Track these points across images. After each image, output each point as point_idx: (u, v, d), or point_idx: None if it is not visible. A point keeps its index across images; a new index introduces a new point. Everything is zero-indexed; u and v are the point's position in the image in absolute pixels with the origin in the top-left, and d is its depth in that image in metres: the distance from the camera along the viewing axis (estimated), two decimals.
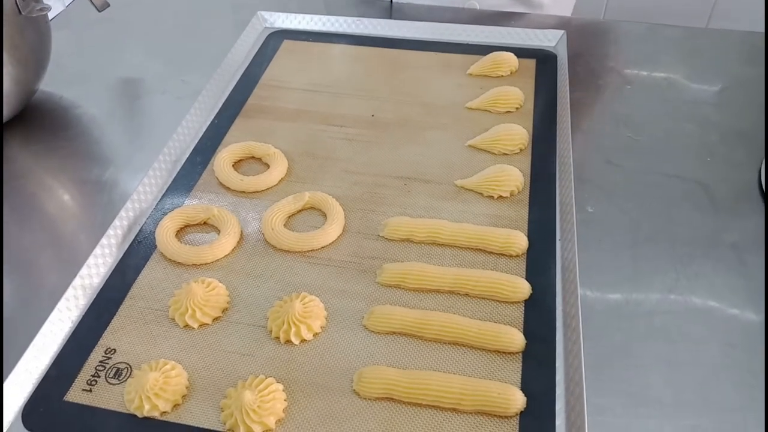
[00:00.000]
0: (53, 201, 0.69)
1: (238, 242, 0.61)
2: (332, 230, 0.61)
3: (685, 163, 0.70)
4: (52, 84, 0.82)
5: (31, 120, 0.78)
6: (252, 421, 0.46)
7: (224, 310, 0.55)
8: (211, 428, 0.47)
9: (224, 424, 0.47)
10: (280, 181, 0.68)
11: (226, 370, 0.51)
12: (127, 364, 0.51)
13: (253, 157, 0.71)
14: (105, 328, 0.54)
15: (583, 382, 0.47)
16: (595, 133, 0.74)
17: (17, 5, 0.69)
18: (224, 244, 0.60)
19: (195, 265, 0.59)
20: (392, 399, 0.49)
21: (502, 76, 0.81)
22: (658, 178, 0.68)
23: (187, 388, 0.49)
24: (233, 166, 0.69)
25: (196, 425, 0.47)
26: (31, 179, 0.70)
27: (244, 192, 0.66)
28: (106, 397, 0.49)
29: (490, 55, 0.82)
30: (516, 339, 0.51)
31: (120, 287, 0.57)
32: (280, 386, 0.49)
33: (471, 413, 0.48)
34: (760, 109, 0.77)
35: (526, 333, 0.52)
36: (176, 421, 0.48)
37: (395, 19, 0.92)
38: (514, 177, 0.65)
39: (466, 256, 0.59)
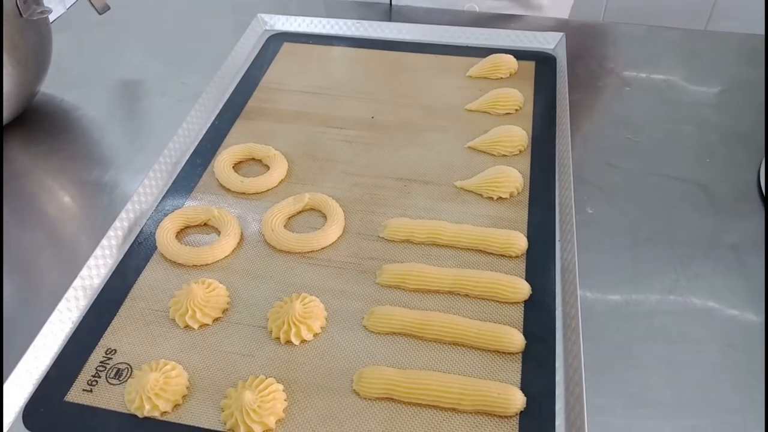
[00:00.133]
0: (54, 202, 0.69)
1: (238, 243, 0.61)
2: (332, 231, 0.61)
3: (685, 165, 0.70)
4: (52, 86, 0.82)
5: (31, 122, 0.78)
6: (252, 421, 0.46)
7: (224, 311, 0.55)
8: (212, 428, 0.47)
9: (224, 424, 0.47)
10: (280, 182, 0.68)
11: (227, 370, 0.51)
12: (128, 364, 0.51)
13: (253, 159, 0.71)
14: (105, 329, 0.54)
15: (582, 383, 0.47)
16: (594, 135, 0.74)
17: (18, 7, 0.70)
18: (224, 245, 0.60)
19: (195, 266, 0.59)
20: (392, 399, 0.49)
21: (502, 78, 0.81)
22: (657, 180, 0.68)
23: (187, 388, 0.49)
24: (233, 167, 0.69)
25: (196, 425, 0.47)
26: (31, 180, 0.70)
27: (244, 193, 0.66)
28: (106, 398, 0.49)
29: (490, 57, 0.83)
30: (516, 339, 0.51)
31: (120, 288, 0.57)
32: (281, 386, 0.49)
33: (471, 413, 0.48)
34: (760, 110, 0.77)
35: (526, 333, 0.52)
36: (177, 421, 0.48)
37: (395, 21, 0.93)
38: (514, 178, 0.65)
39: (465, 256, 0.59)
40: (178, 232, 0.62)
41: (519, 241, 0.59)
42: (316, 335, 0.53)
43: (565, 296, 0.55)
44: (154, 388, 0.47)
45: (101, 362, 0.51)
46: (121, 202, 0.65)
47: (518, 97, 0.76)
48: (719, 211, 0.64)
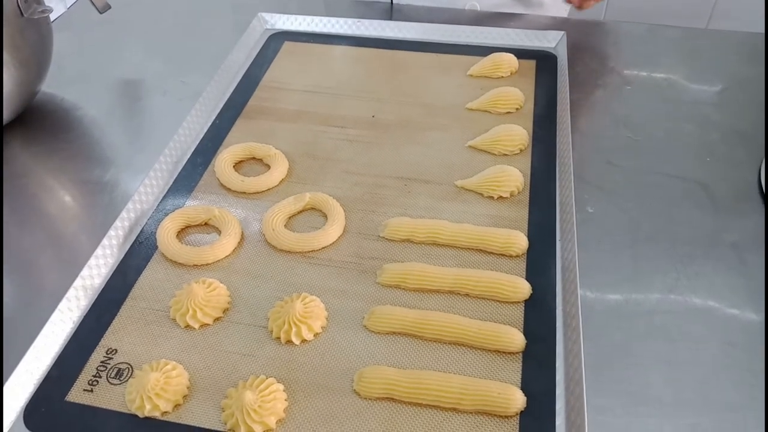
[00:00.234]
0: (54, 202, 0.69)
1: (238, 243, 0.61)
2: (333, 231, 0.61)
3: (685, 163, 0.70)
4: (53, 85, 0.82)
5: (32, 121, 0.78)
6: (253, 421, 0.46)
7: (225, 311, 0.55)
8: (212, 428, 0.47)
9: (225, 424, 0.47)
10: (280, 181, 0.68)
11: (227, 370, 0.51)
12: (129, 364, 0.51)
13: (254, 158, 0.71)
14: (106, 329, 0.54)
15: (583, 382, 0.47)
16: (595, 134, 0.74)
17: (19, 7, 0.70)
18: (225, 244, 0.60)
19: (196, 265, 0.59)
20: (393, 399, 0.49)
21: (503, 77, 0.81)
22: (658, 178, 0.68)
23: (188, 388, 0.49)
24: (234, 167, 0.69)
25: (197, 425, 0.47)
26: (32, 180, 0.70)
27: (245, 193, 0.66)
28: (107, 398, 0.49)
29: (491, 56, 0.83)
30: (516, 339, 0.51)
31: (121, 288, 0.57)
32: (281, 386, 0.49)
33: (471, 413, 0.48)
34: (760, 109, 0.77)
35: (526, 333, 0.52)
36: (177, 421, 0.48)
37: (395, 20, 0.92)
38: (514, 177, 0.65)
39: (466, 256, 0.59)
40: (179, 232, 0.62)
41: (519, 241, 0.59)
42: (316, 335, 0.53)
43: (566, 295, 0.55)
44: (155, 388, 0.47)
45: (102, 362, 0.51)
46: (121, 201, 0.65)
47: (519, 96, 0.76)
48: (720, 209, 0.64)
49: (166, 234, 0.60)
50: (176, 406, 0.48)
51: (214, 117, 0.77)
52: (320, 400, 0.49)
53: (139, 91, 0.85)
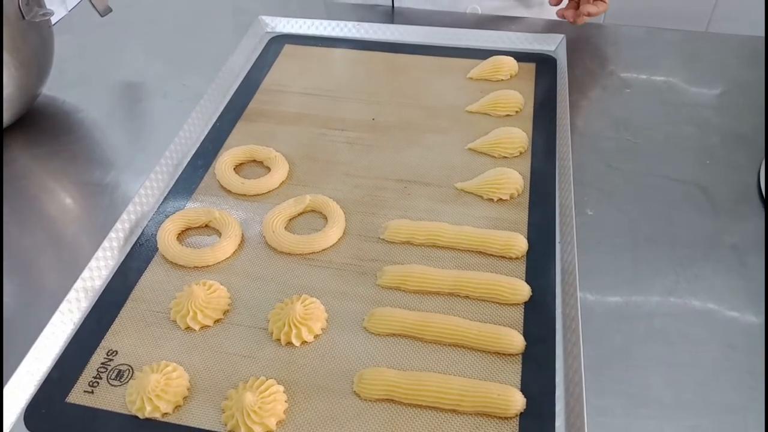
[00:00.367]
0: (55, 204, 0.69)
1: (239, 245, 0.61)
2: (333, 233, 0.61)
3: (685, 166, 0.70)
4: (54, 88, 0.82)
5: (33, 123, 0.78)
6: (253, 423, 0.46)
7: (225, 312, 0.55)
8: (212, 429, 0.47)
9: (225, 425, 0.47)
10: (281, 184, 0.68)
11: (227, 371, 0.51)
12: (129, 365, 0.51)
13: (254, 161, 0.71)
14: (107, 330, 0.54)
15: (582, 384, 0.48)
16: (594, 136, 0.74)
17: (20, 10, 0.70)
18: (225, 246, 0.60)
19: (196, 267, 0.59)
20: (392, 400, 0.49)
21: (502, 79, 0.81)
22: (657, 181, 0.68)
23: (188, 389, 0.49)
24: (234, 169, 0.69)
25: (197, 426, 0.47)
26: (33, 182, 0.71)
27: (245, 195, 0.67)
28: (107, 399, 0.49)
29: (490, 59, 0.83)
30: (516, 341, 0.52)
31: (121, 289, 0.57)
32: (281, 388, 0.49)
33: (471, 414, 0.48)
34: (760, 112, 0.77)
35: (526, 335, 0.52)
36: (177, 423, 0.48)
37: (397, 23, 0.93)
38: (514, 180, 0.65)
39: (466, 258, 0.59)
40: (180, 234, 0.62)
41: (519, 243, 0.59)
42: (316, 337, 0.53)
43: (565, 297, 0.55)
44: (155, 390, 0.47)
45: (102, 363, 0.52)
46: (122, 203, 0.65)
47: (518, 98, 0.77)
48: (719, 212, 0.65)
49: (166, 236, 0.60)
50: (176, 407, 0.48)
51: (214, 119, 0.77)
52: (320, 402, 0.49)
53: (139, 93, 0.85)
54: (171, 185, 0.68)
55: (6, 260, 0.61)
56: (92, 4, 0.79)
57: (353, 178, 0.68)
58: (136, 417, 0.48)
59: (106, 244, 0.60)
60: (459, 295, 0.56)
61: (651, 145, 0.73)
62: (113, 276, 0.59)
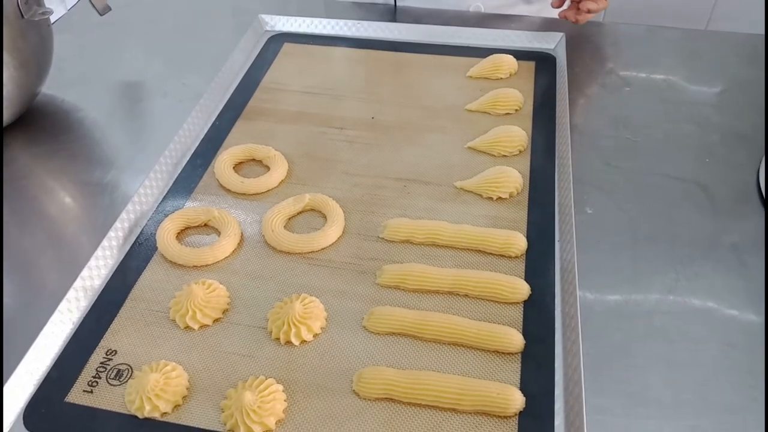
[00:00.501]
0: (55, 203, 0.69)
1: (238, 244, 0.61)
2: (332, 232, 0.61)
3: (685, 165, 0.70)
4: (53, 87, 0.82)
5: (32, 123, 0.78)
6: (252, 422, 0.46)
7: (224, 312, 0.55)
8: (212, 429, 0.47)
9: (224, 424, 0.47)
10: (280, 183, 0.68)
11: (227, 371, 0.51)
12: (128, 365, 0.51)
13: (253, 160, 0.71)
14: (106, 330, 0.54)
15: (582, 383, 0.48)
16: (594, 135, 0.74)
17: (20, 9, 0.70)
18: (225, 245, 0.60)
19: (195, 266, 0.59)
20: (392, 399, 0.49)
21: (502, 78, 0.81)
22: (657, 180, 0.68)
23: (187, 389, 0.49)
24: (234, 168, 0.69)
25: (196, 426, 0.47)
26: (32, 181, 0.71)
27: (244, 194, 0.67)
28: (107, 398, 0.49)
29: (490, 57, 0.83)
30: (515, 339, 0.52)
31: (121, 289, 0.57)
32: (280, 387, 0.49)
33: (470, 413, 0.48)
34: (760, 110, 0.77)
35: (525, 333, 0.52)
36: (177, 422, 0.48)
37: (400, 21, 0.93)
38: (514, 178, 0.65)
39: (465, 257, 0.59)
40: (179, 233, 0.62)
41: (518, 242, 0.59)
42: (315, 336, 0.53)
43: (565, 296, 0.55)
44: (155, 389, 0.47)
45: (102, 363, 0.52)
46: (121, 202, 0.65)
47: (518, 97, 0.76)
48: (719, 211, 0.64)
49: (165, 235, 0.60)
50: (176, 406, 0.48)
51: (214, 118, 0.77)
52: (319, 401, 0.49)
53: (139, 92, 0.85)
54: (170, 184, 0.68)
55: (5, 260, 0.61)
56: (91, 2, 0.79)
57: (353, 176, 0.68)
58: (136, 416, 0.48)
59: (105, 243, 0.60)
60: (458, 294, 0.56)
61: (651, 144, 0.73)
62: (112, 275, 0.59)
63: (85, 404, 0.49)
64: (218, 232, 0.62)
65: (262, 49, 0.89)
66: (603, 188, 0.67)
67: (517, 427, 0.47)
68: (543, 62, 0.84)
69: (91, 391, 0.50)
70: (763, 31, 0.90)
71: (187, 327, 0.54)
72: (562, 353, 0.52)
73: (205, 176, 0.69)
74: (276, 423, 0.47)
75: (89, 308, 0.56)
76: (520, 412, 0.47)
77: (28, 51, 0.73)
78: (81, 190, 0.70)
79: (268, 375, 0.50)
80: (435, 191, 0.66)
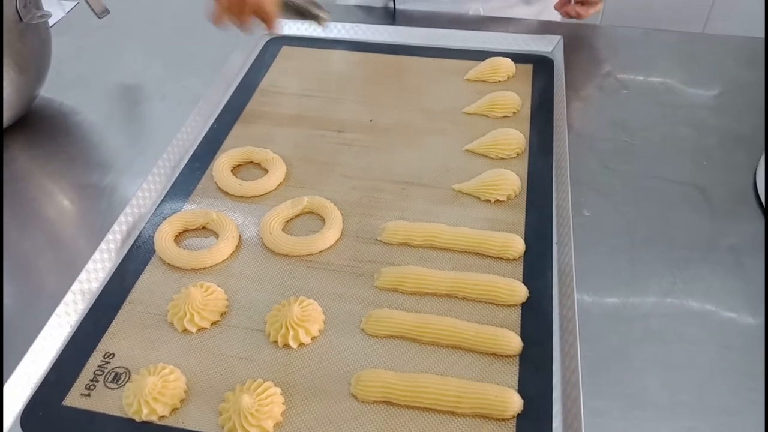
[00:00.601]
0: (53, 205, 0.69)
1: (236, 247, 0.61)
2: (330, 234, 0.61)
3: (682, 167, 0.70)
4: (52, 90, 0.82)
5: (31, 125, 0.78)
6: (250, 425, 0.46)
7: (223, 315, 0.55)
8: None
9: (222, 428, 0.47)
10: (278, 185, 0.68)
11: (225, 374, 0.51)
12: (126, 368, 0.51)
13: (251, 162, 0.71)
14: (104, 333, 0.54)
15: (579, 385, 0.48)
16: (591, 138, 0.75)
17: (18, 12, 0.70)
18: (223, 248, 0.60)
19: (194, 269, 0.59)
20: (390, 402, 0.49)
21: (500, 81, 0.81)
22: (654, 182, 0.68)
23: (185, 392, 0.49)
24: (232, 171, 0.69)
25: (194, 429, 0.47)
26: (31, 184, 0.71)
27: (242, 197, 0.67)
28: (104, 402, 0.49)
29: (488, 60, 0.83)
30: (513, 342, 0.52)
31: (119, 292, 0.57)
32: (278, 390, 0.49)
33: (468, 416, 0.48)
34: (757, 113, 0.77)
35: (523, 336, 0.52)
36: (175, 426, 0.48)
37: (398, 24, 0.93)
38: (511, 181, 0.65)
39: (463, 259, 0.59)
40: (177, 236, 0.62)
41: (516, 244, 0.59)
42: (314, 338, 0.53)
43: (562, 299, 0.55)
44: (152, 392, 0.47)
45: (99, 366, 0.51)
46: (120, 205, 0.65)
47: (516, 100, 0.77)
48: (716, 213, 0.65)
49: (164, 238, 0.60)
50: (174, 410, 0.48)
51: (212, 121, 0.77)
52: (317, 404, 0.49)
53: (137, 95, 0.85)
54: (168, 187, 0.68)
55: (4, 262, 0.61)
56: (89, 5, 0.79)
57: (351, 179, 0.68)
58: (133, 420, 0.48)
59: (103, 246, 0.60)
60: (456, 297, 0.56)
61: (648, 147, 0.73)
62: (110, 278, 0.59)
63: (83, 408, 0.49)
64: (216, 235, 0.62)
65: (260, 52, 0.89)
66: (600, 191, 0.67)
67: (515, 430, 0.47)
68: (540, 65, 0.84)
69: (89, 395, 0.50)
70: (759, 34, 0.90)
71: (185, 330, 0.54)
72: (559, 356, 0.52)
73: (203, 179, 0.69)
74: (274, 426, 0.47)
75: (87, 311, 0.56)
76: (518, 414, 0.47)
77: (26, 54, 0.73)
78: (79, 193, 0.70)
79: (266, 378, 0.50)
80: (433, 194, 0.66)
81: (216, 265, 0.60)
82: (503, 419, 0.47)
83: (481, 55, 0.85)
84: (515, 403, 0.48)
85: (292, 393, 0.49)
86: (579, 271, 0.56)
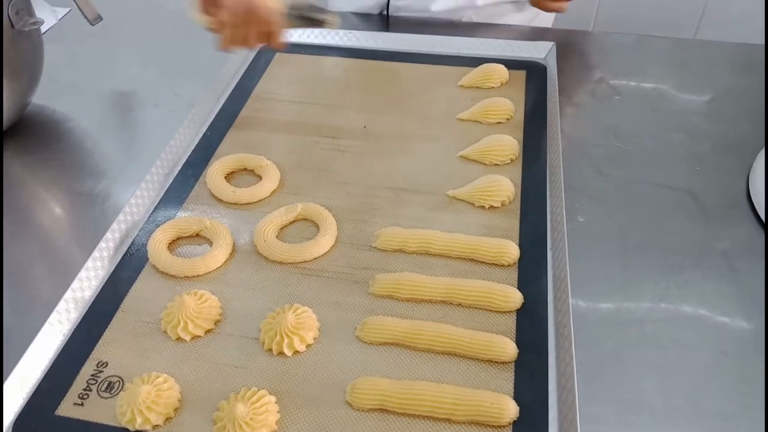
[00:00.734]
0: (46, 213, 0.69)
1: (230, 254, 0.61)
2: (325, 241, 0.61)
3: (675, 173, 0.70)
4: (44, 97, 0.82)
5: (24, 132, 0.78)
6: None
7: (216, 323, 0.55)
8: None
9: None
10: (272, 192, 0.68)
11: (219, 382, 0.51)
12: (119, 377, 0.51)
13: (245, 169, 0.71)
14: (97, 341, 0.54)
15: (575, 391, 0.47)
16: (584, 143, 0.75)
17: (10, 19, 0.70)
18: (217, 256, 0.60)
19: (187, 277, 0.59)
20: (385, 410, 0.48)
21: (493, 87, 0.82)
22: (648, 188, 0.69)
23: (179, 401, 0.49)
24: (226, 178, 0.69)
25: None
26: (23, 191, 0.70)
27: (236, 204, 0.66)
28: (97, 411, 0.49)
29: (481, 66, 0.83)
30: (508, 348, 0.52)
31: (112, 300, 0.57)
32: (273, 398, 0.48)
33: (464, 423, 0.48)
34: (749, 118, 0.78)
35: (519, 342, 0.52)
36: None
37: (392, 31, 0.93)
38: (505, 187, 0.65)
39: (458, 266, 0.59)
40: (170, 243, 0.62)
41: (511, 250, 0.59)
42: (308, 346, 0.53)
43: (557, 304, 0.56)
44: (146, 401, 0.47)
45: (92, 375, 0.51)
46: (113, 212, 0.65)
47: (509, 106, 0.77)
48: (710, 218, 0.65)
49: (157, 245, 0.60)
50: (167, 419, 0.48)
51: (205, 128, 0.77)
52: (312, 412, 0.48)
53: (130, 102, 0.85)
54: (162, 194, 0.68)
55: None
56: (82, 12, 0.79)
57: (345, 186, 0.68)
58: (127, 429, 0.47)
59: (96, 254, 0.60)
60: (451, 303, 0.56)
61: (641, 152, 0.73)
62: (103, 286, 0.58)
63: (76, 417, 0.48)
64: (210, 242, 0.62)
65: (254, 58, 0.89)
66: (594, 197, 0.67)
67: None
68: (534, 71, 0.85)
69: (82, 404, 0.49)
70: (749, 40, 0.91)
71: (179, 338, 0.53)
72: (555, 362, 0.52)
73: (196, 186, 0.69)
74: None
75: (80, 320, 0.55)
76: (514, 421, 0.47)
77: (19, 61, 0.73)
78: (72, 200, 0.70)
79: (260, 386, 0.49)
80: (427, 200, 0.66)
81: (210, 272, 0.59)
82: (499, 426, 0.47)
83: (474, 62, 0.85)
84: (511, 409, 0.47)
85: (286, 401, 0.49)
86: (573, 276, 0.56)
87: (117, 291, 0.58)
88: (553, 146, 0.72)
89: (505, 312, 0.55)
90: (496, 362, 0.51)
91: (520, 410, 0.48)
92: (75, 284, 0.57)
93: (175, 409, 0.49)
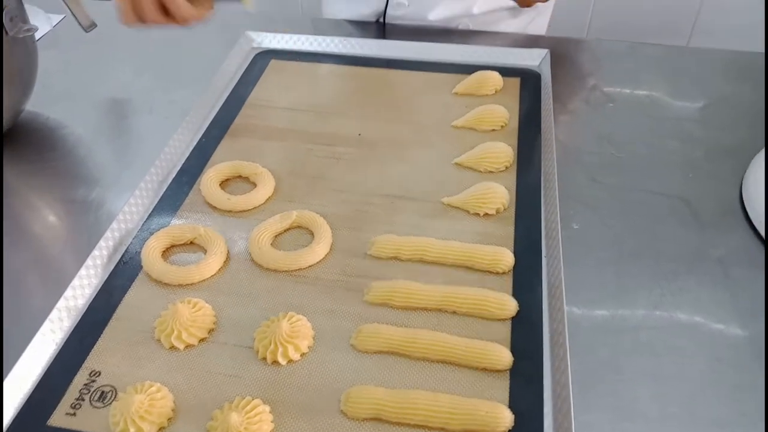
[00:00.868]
0: (39, 221, 0.69)
1: (224, 262, 0.61)
2: (319, 249, 0.61)
3: (669, 180, 0.71)
4: (38, 104, 0.82)
5: (17, 139, 0.78)
6: None
7: (210, 331, 0.55)
8: None
9: None
10: (267, 200, 0.68)
11: (213, 391, 0.50)
12: (112, 386, 0.51)
13: (240, 177, 0.71)
14: (90, 350, 0.53)
15: (570, 399, 0.47)
16: (578, 151, 0.75)
17: (3, 26, 0.69)
18: (211, 263, 0.59)
19: (181, 285, 0.59)
20: (380, 419, 0.48)
21: (487, 94, 0.82)
22: (642, 195, 0.69)
23: (172, 410, 0.49)
24: (220, 185, 0.69)
25: None
26: (16, 199, 0.70)
27: (231, 211, 0.66)
28: (90, 421, 0.48)
29: (476, 74, 0.83)
30: (503, 356, 0.51)
31: (105, 308, 0.57)
32: (267, 408, 0.48)
33: None
34: (743, 124, 0.78)
35: (514, 350, 0.52)
36: None
37: (387, 38, 0.93)
38: (500, 194, 0.65)
39: (453, 273, 0.59)
40: (164, 251, 0.61)
41: (505, 258, 0.59)
42: (303, 355, 0.53)
43: (552, 312, 0.56)
44: (139, 411, 0.47)
45: (85, 384, 0.51)
46: (106, 220, 0.65)
47: (504, 113, 0.77)
48: (704, 225, 0.65)
49: (151, 253, 0.60)
50: (161, 429, 0.48)
51: (200, 135, 0.77)
52: (307, 421, 0.48)
53: (124, 109, 0.84)
54: (156, 202, 0.67)
55: None
56: (76, 19, 0.78)
57: (340, 193, 0.68)
58: None
59: (89, 262, 0.59)
60: (446, 311, 0.56)
61: (635, 159, 0.74)
62: (96, 295, 0.58)
63: (68, 427, 0.48)
64: (204, 250, 0.61)
65: (248, 65, 0.89)
66: (588, 204, 0.68)
67: None
68: (528, 79, 0.85)
69: (75, 414, 0.49)
70: (742, 48, 0.92)
71: (173, 347, 0.53)
72: (550, 370, 0.52)
73: (191, 193, 0.68)
74: None
75: (73, 328, 0.55)
76: (510, 430, 0.47)
77: (12, 68, 0.73)
78: (65, 208, 0.69)
79: (254, 395, 0.49)
80: (422, 207, 0.66)
81: (204, 280, 0.59)
82: None
83: (469, 69, 0.85)
84: (506, 418, 0.47)
85: (281, 411, 0.49)
86: (568, 284, 0.56)
87: (110, 299, 0.57)
88: (547, 153, 0.72)
89: (500, 320, 0.55)
90: (492, 370, 0.51)
91: (515, 419, 0.48)
92: (68, 292, 0.56)
93: (169, 419, 0.48)
